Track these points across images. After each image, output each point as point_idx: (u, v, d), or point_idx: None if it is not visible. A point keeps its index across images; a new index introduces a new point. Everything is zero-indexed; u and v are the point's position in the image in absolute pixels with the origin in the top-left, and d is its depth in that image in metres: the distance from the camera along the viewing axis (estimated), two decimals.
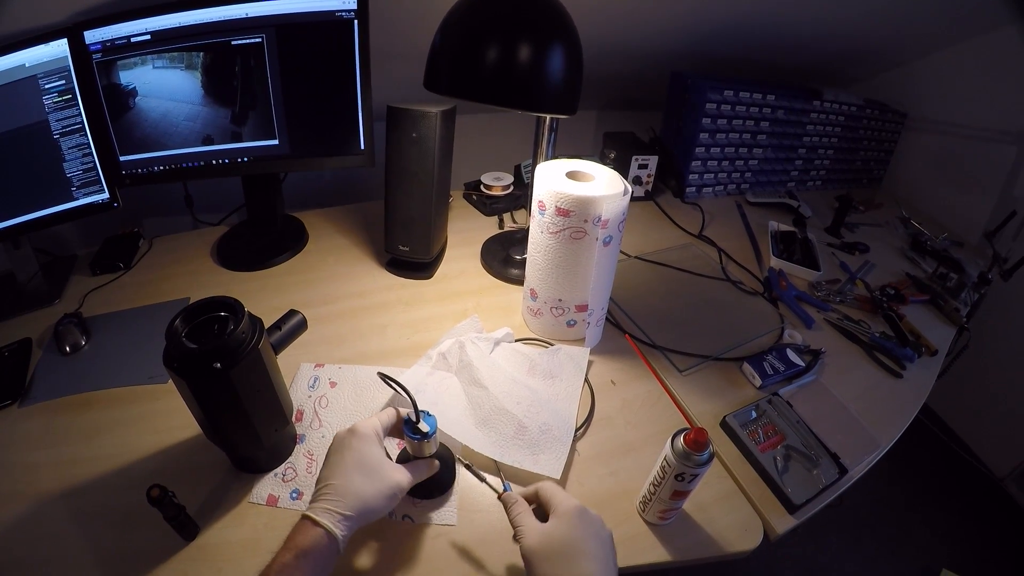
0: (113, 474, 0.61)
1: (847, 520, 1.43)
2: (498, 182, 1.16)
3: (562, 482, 0.62)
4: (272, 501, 0.59)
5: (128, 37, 0.79)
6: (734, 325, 0.89)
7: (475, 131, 1.20)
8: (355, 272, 0.96)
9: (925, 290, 1.03)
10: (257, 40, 0.82)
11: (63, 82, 0.78)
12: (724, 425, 0.71)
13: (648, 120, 1.39)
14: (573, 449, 0.66)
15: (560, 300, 0.78)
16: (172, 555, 0.54)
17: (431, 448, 0.56)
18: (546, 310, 0.80)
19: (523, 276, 0.83)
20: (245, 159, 0.91)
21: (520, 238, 0.98)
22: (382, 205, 0.91)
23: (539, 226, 0.74)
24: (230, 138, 0.89)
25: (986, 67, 1.31)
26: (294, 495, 0.59)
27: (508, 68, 0.65)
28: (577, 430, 0.68)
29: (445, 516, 0.59)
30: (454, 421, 0.65)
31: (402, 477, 0.51)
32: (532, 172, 0.77)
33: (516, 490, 0.53)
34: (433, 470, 0.56)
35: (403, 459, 0.56)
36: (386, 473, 0.50)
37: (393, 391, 0.57)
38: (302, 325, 0.81)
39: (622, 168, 1.21)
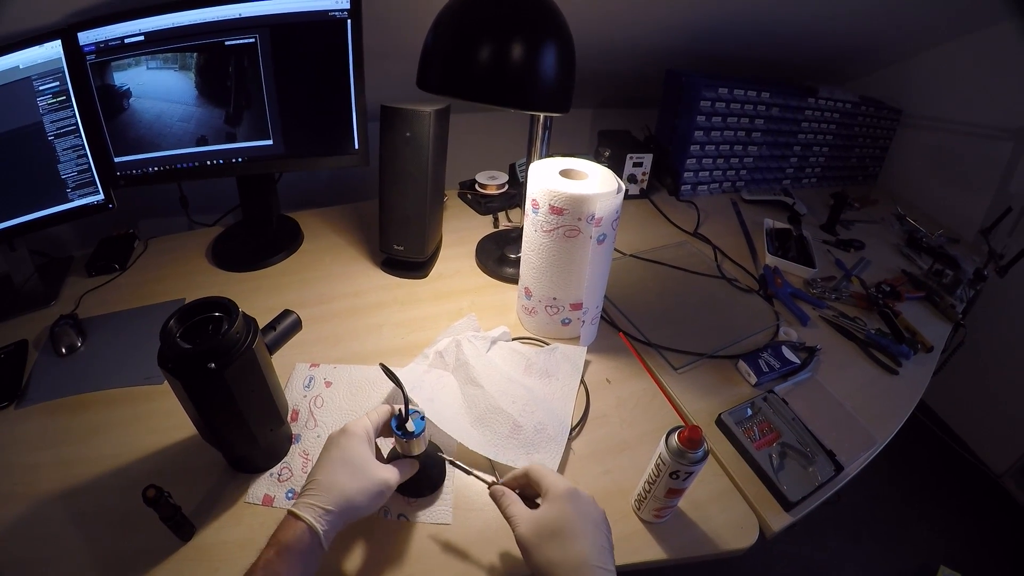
0: (110, 475, 0.61)
1: (844, 518, 1.43)
2: (492, 181, 1.17)
3: None
4: (268, 501, 0.59)
5: (122, 38, 0.79)
6: (729, 323, 0.89)
7: (469, 130, 1.20)
8: (350, 272, 0.96)
9: (921, 287, 1.03)
10: (250, 40, 0.82)
11: (57, 83, 0.78)
12: (719, 423, 0.71)
13: (643, 118, 1.39)
14: (568, 448, 0.66)
15: (555, 298, 0.78)
16: (168, 555, 0.54)
17: (419, 447, 0.56)
18: (541, 308, 0.80)
19: (518, 275, 0.84)
20: (240, 159, 0.91)
21: (515, 237, 0.98)
22: (377, 205, 0.91)
23: (533, 224, 0.74)
24: (224, 139, 0.89)
25: (981, 63, 1.31)
26: (290, 495, 0.59)
27: (500, 67, 0.65)
28: (572, 429, 0.68)
29: (440, 515, 0.59)
30: (450, 419, 0.65)
31: (389, 475, 0.52)
32: (526, 171, 0.77)
33: (506, 476, 0.53)
34: (414, 468, 0.56)
35: (393, 456, 0.57)
36: (372, 471, 0.50)
37: (389, 390, 0.57)
38: (297, 325, 0.81)
39: (617, 166, 1.22)
